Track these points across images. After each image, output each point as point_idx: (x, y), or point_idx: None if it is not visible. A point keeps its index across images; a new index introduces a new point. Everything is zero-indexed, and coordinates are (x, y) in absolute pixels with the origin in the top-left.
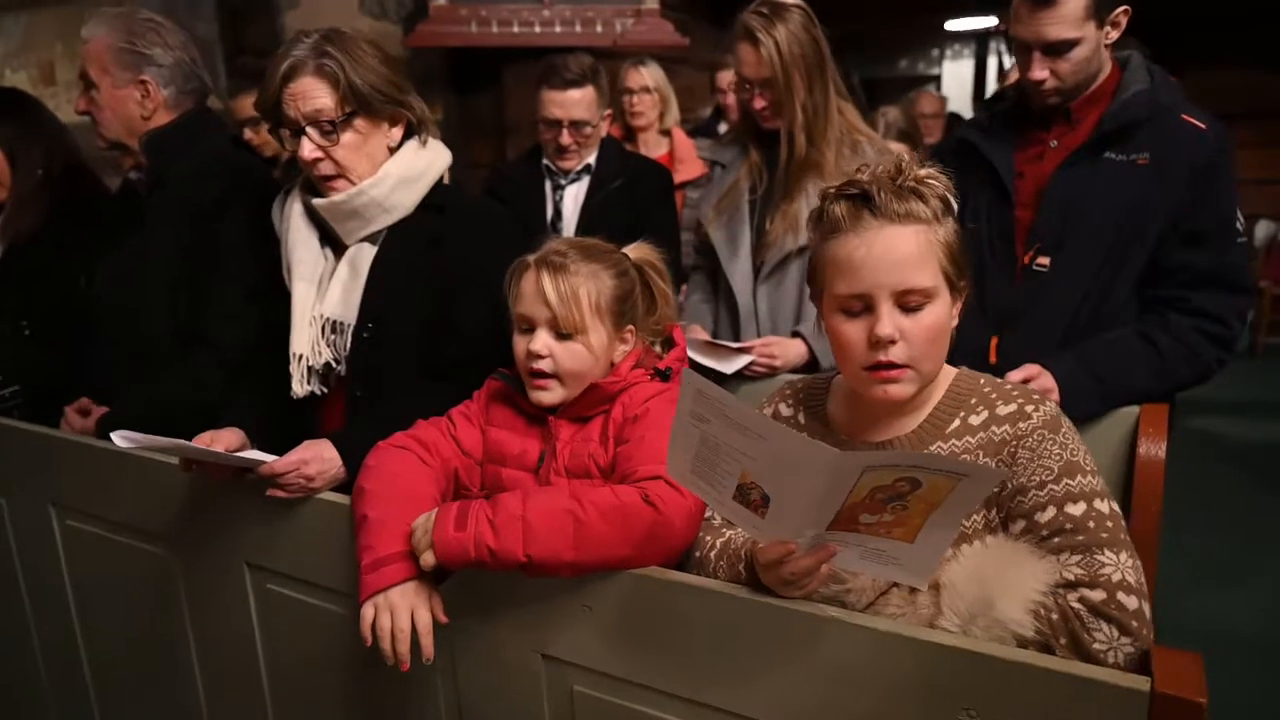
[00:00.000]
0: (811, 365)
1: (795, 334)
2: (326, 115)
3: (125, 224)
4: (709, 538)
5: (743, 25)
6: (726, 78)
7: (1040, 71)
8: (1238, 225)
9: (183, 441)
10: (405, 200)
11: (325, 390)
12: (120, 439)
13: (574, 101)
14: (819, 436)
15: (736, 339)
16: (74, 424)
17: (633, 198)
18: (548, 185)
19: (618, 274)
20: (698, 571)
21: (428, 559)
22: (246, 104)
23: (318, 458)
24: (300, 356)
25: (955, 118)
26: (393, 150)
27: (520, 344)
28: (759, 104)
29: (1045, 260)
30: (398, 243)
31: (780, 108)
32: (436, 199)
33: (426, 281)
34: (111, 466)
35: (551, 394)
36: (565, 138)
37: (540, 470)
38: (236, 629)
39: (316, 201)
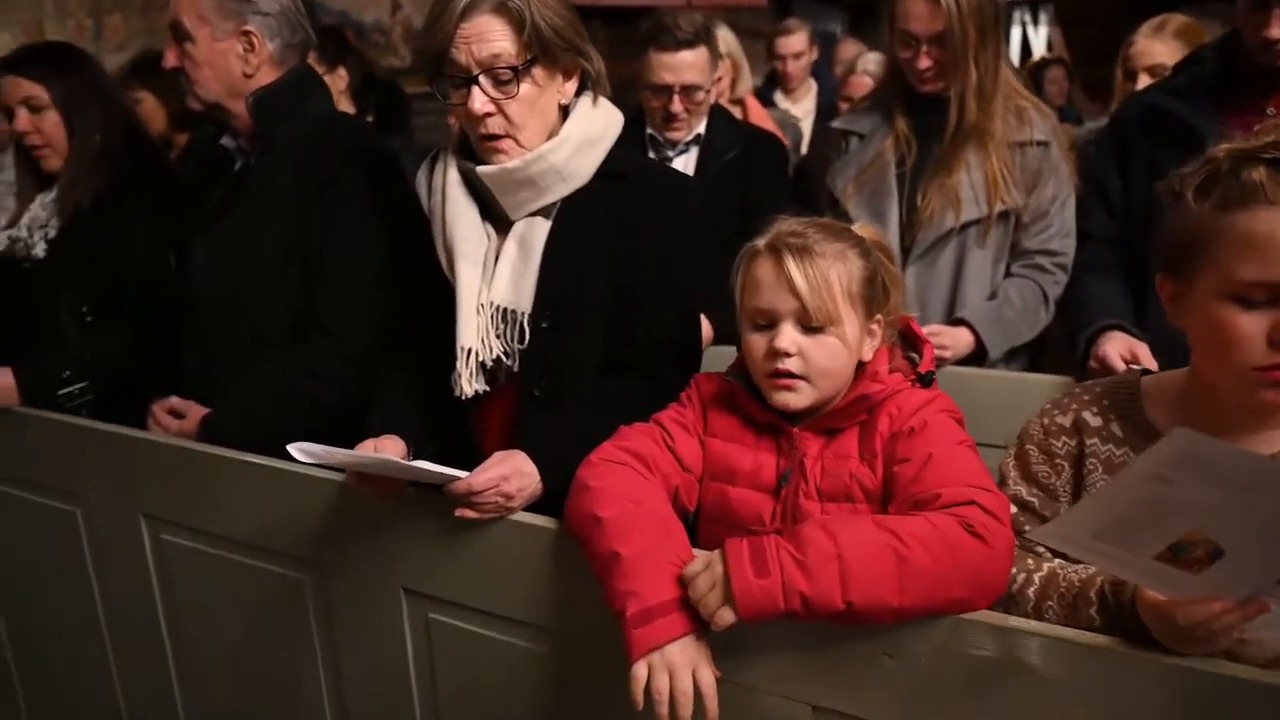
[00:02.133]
0: (978, 356)
1: (959, 321)
2: (505, 61)
3: (226, 197)
4: (1018, 571)
5: None
6: (791, 45)
7: (1277, 29)
8: None
9: (367, 455)
10: (584, 167)
11: (488, 389)
12: (299, 453)
13: (686, 64)
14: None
15: None
16: (167, 425)
17: (748, 171)
18: (652, 157)
19: (862, 253)
20: (1008, 610)
21: (725, 616)
22: None
23: (517, 473)
24: (469, 351)
25: None
26: (563, 108)
27: (757, 342)
28: (924, 63)
29: None
30: (575, 216)
31: (948, 68)
32: (615, 165)
33: (610, 261)
34: (222, 474)
35: (800, 396)
36: (676, 104)
37: (783, 492)
38: (386, 662)
39: (483, 169)
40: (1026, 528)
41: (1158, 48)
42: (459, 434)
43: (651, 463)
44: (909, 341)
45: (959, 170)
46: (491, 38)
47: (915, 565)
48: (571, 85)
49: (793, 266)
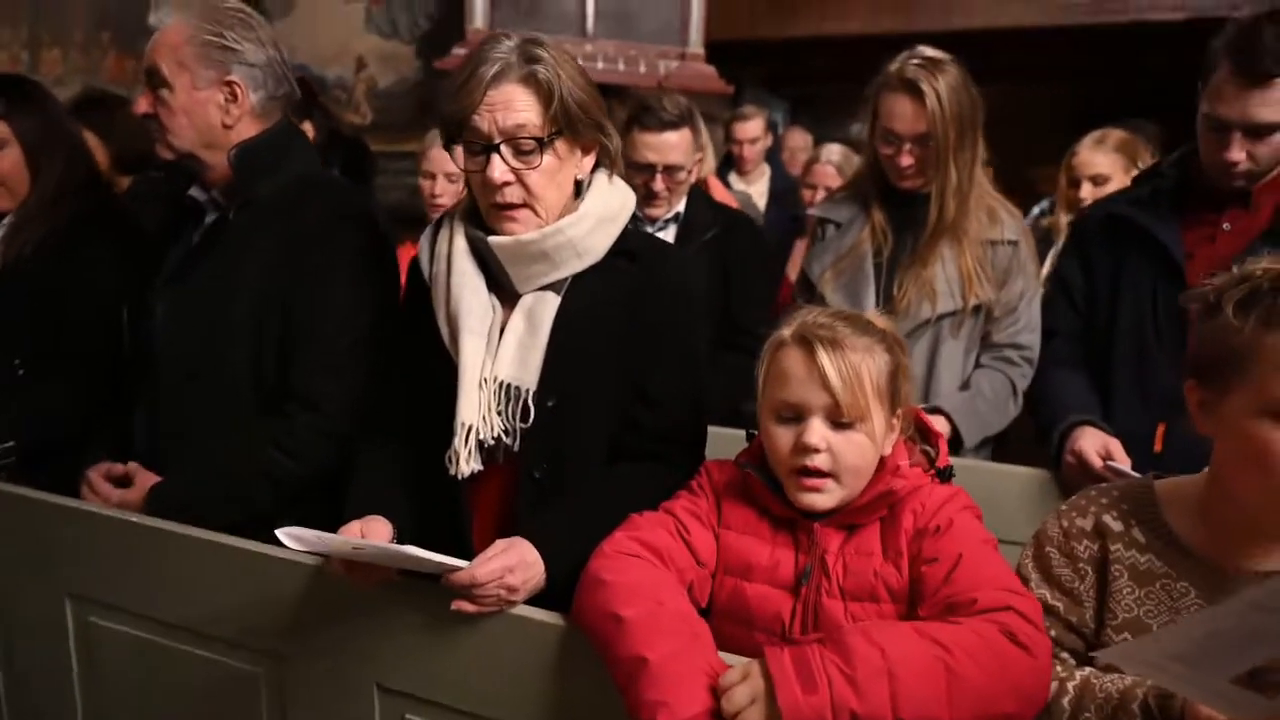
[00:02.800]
0: (953, 445)
1: (936, 410)
2: (530, 131)
3: (195, 252)
4: (1051, 679)
5: (899, 76)
6: (748, 130)
7: (1238, 153)
8: None
9: (365, 542)
10: (599, 244)
11: (482, 468)
12: (289, 539)
13: (670, 145)
14: (1172, 561)
15: None
16: (106, 494)
17: (726, 250)
18: None
19: (886, 348)
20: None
21: None
22: None
23: (522, 564)
24: (469, 427)
25: None
26: (577, 184)
27: (783, 435)
28: (905, 161)
29: None
30: (586, 294)
31: (927, 166)
32: (627, 244)
33: (620, 343)
34: (169, 551)
35: (827, 497)
36: (659, 183)
37: (803, 590)
38: None
39: (497, 240)
40: (1052, 633)
41: (1099, 159)
42: (448, 515)
43: (666, 555)
44: (920, 435)
45: (934, 263)
46: (517, 107)
47: (965, 680)
48: (589, 161)
49: (825, 359)
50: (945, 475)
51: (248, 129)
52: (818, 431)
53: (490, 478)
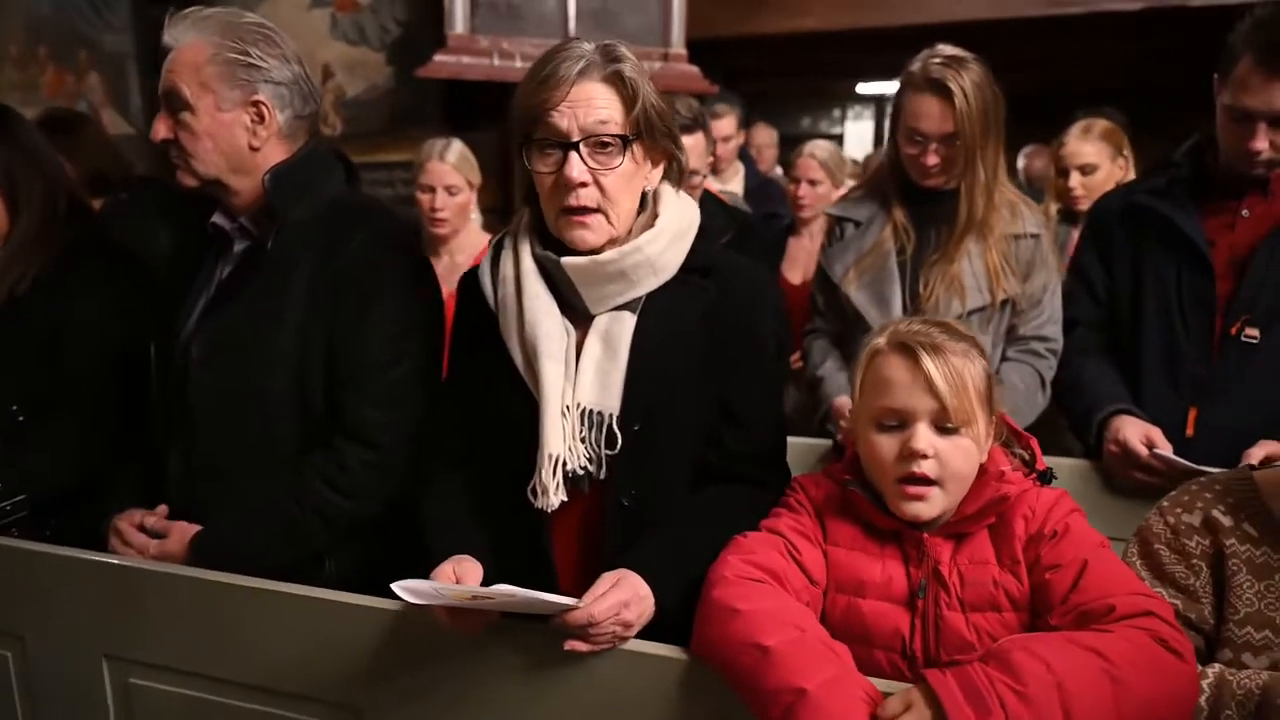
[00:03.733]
0: None
1: None
2: (612, 129)
3: (229, 282)
4: None
5: (924, 75)
6: (721, 128)
7: (1262, 142)
8: None
9: (480, 587)
10: (674, 260)
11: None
12: (406, 593)
13: (685, 149)
14: None
15: None
16: (139, 545)
17: (743, 253)
18: None
19: (980, 352)
20: None
21: None
22: None
23: (635, 597)
24: (556, 459)
25: None
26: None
27: (886, 444)
28: (931, 160)
29: (1255, 332)
30: (661, 312)
31: (952, 165)
32: (699, 259)
33: (701, 360)
34: (218, 602)
35: (931, 505)
36: None
37: (920, 604)
38: None
39: (571, 261)
40: None
41: (1087, 149)
42: (529, 549)
43: (782, 577)
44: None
45: (961, 259)
46: (599, 104)
47: (1130, 689)
48: (657, 173)
49: (931, 365)
50: (1045, 478)
51: (275, 151)
52: (925, 437)
53: (572, 507)
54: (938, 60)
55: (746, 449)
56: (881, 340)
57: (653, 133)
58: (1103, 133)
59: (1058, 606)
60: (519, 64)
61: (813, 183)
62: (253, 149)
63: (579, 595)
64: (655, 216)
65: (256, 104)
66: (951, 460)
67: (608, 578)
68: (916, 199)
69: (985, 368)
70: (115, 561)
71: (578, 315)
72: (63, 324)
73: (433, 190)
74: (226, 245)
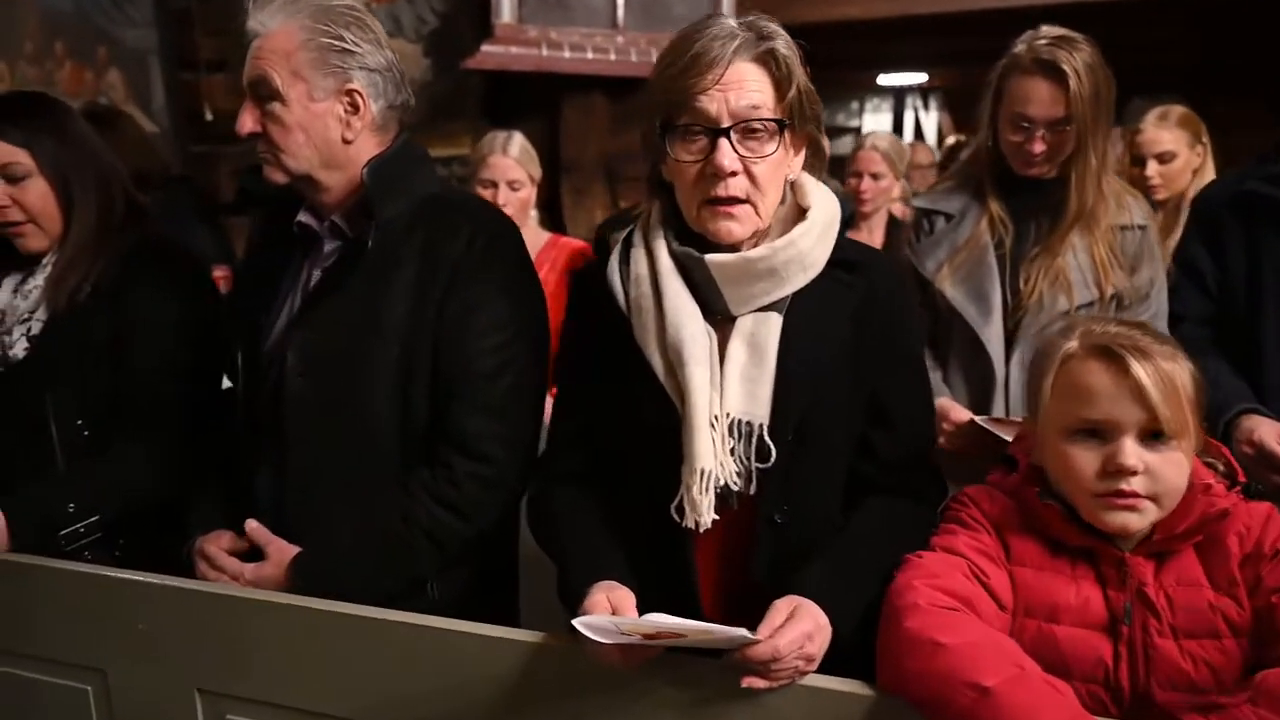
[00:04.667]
0: None
1: None
2: (765, 114)
3: (322, 286)
4: None
5: (1033, 57)
6: None
7: None
8: None
9: (664, 618)
10: (822, 255)
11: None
12: (589, 630)
13: None
14: None
15: (979, 413)
16: (232, 570)
17: None
18: None
19: (1185, 354)
20: None
21: None
22: None
23: (817, 628)
24: (707, 474)
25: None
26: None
27: (1085, 458)
28: (1039, 147)
29: None
30: (808, 311)
31: (1059, 152)
32: (844, 253)
33: (852, 361)
34: (322, 632)
35: (1143, 516)
36: None
37: (1124, 630)
38: None
39: (718, 258)
40: None
41: (1165, 136)
42: (671, 571)
43: (975, 604)
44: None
45: (1065, 253)
46: (751, 86)
47: None
48: (799, 161)
49: (1140, 371)
50: (1251, 492)
51: (368, 144)
52: (1134, 452)
53: (715, 525)
54: (1046, 40)
55: (902, 457)
56: (1073, 343)
57: (803, 117)
58: (1180, 119)
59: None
60: (568, 54)
61: (875, 176)
62: (346, 141)
63: (722, 620)
64: (799, 208)
65: (351, 93)
66: (1164, 475)
67: (782, 606)
68: (1014, 189)
69: (1193, 370)
70: (209, 589)
71: (716, 316)
72: (129, 333)
73: (495, 185)
74: (313, 245)
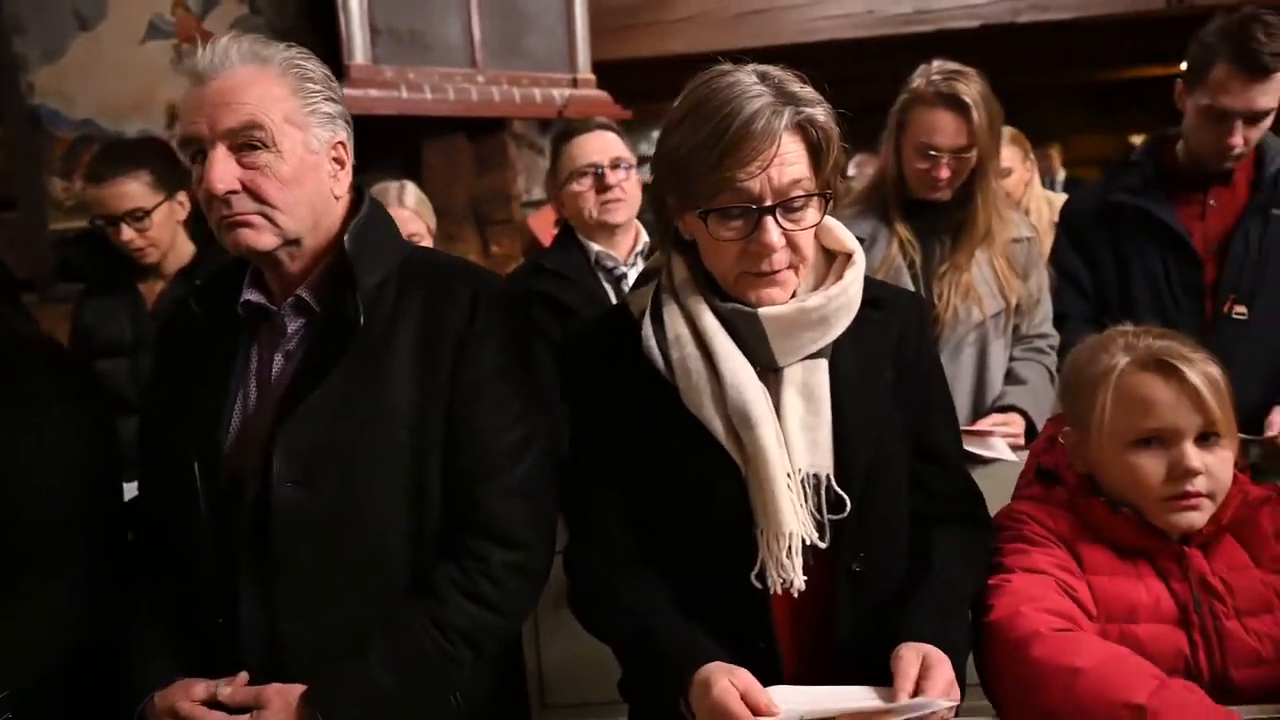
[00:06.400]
0: (1029, 433)
1: (1010, 408)
2: (805, 188)
3: (300, 374)
4: None
5: (935, 90)
6: None
7: (1238, 138)
8: None
9: (848, 690)
10: (858, 296)
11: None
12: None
13: (609, 140)
14: None
15: None
16: None
17: None
18: (603, 280)
19: (1214, 358)
20: None
21: None
22: (116, 193)
23: (950, 670)
24: (793, 535)
25: None
26: None
27: (1150, 465)
28: (944, 174)
29: (1243, 309)
30: (849, 353)
31: (959, 177)
32: (873, 291)
33: (896, 398)
34: None
35: (1203, 513)
36: (609, 177)
37: (1195, 619)
38: None
39: (771, 310)
40: None
41: (1003, 153)
42: (750, 637)
43: (1078, 620)
44: None
45: (970, 268)
46: (790, 159)
47: None
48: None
49: (1196, 379)
50: (1261, 472)
51: (344, 205)
52: (1197, 455)
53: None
54: (942, 75)
55: (955, 487)
56: (1122, 359)
57: (836, 174)
58: (1011, 137)
59: None
60: (429, 95)
61: None
62: (336, 198)
63: (809, 681)
64: (825, 250)
65: (339, 146)
66: (1219, 473)
67: (908, 656)
68: (916, 212)
69: (1224, 374)
70: None
71: (761, 370)
72: (13, 455)
73: None
74: (261, 327)
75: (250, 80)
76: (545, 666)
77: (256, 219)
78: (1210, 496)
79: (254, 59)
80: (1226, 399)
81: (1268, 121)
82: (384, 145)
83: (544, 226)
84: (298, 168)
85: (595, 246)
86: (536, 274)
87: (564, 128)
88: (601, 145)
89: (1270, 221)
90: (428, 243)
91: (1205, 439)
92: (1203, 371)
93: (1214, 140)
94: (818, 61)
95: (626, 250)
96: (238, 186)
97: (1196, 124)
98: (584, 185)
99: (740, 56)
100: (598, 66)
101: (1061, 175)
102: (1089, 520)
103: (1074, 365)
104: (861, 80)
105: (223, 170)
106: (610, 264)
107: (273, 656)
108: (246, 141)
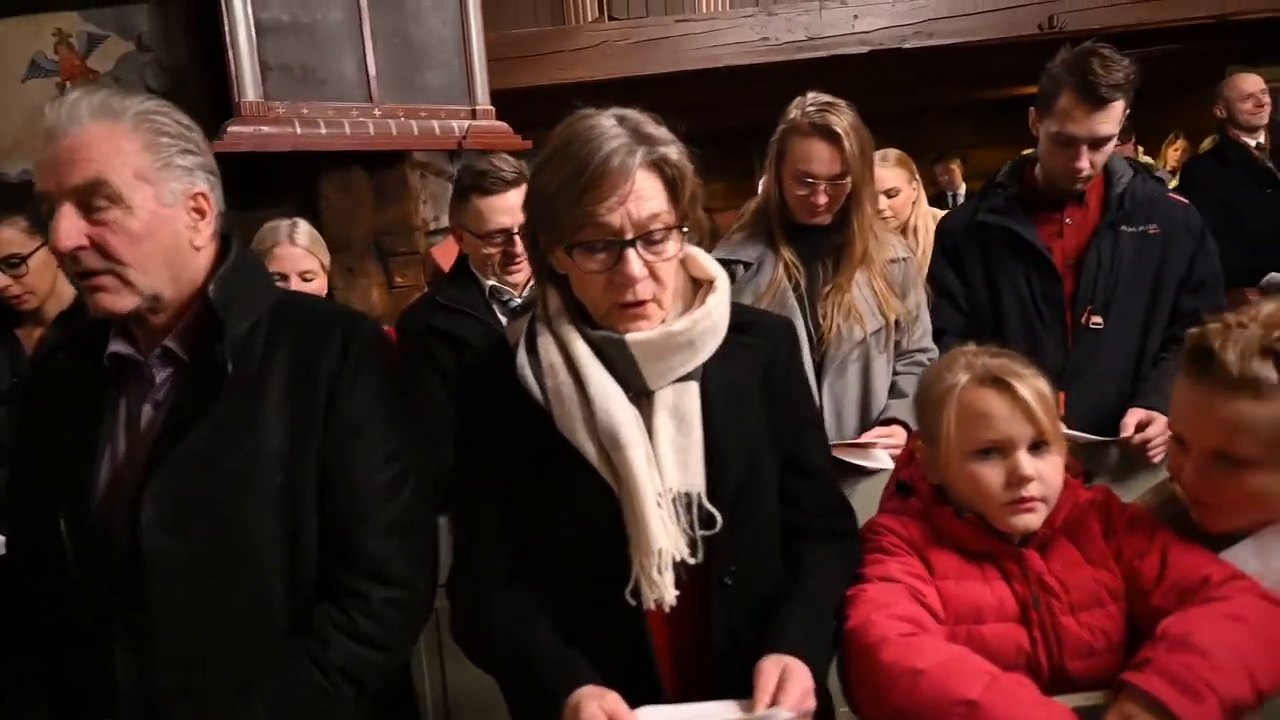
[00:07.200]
0: None
1: (892, 420)
2: (663, 221)
3: (169, 425)
4: None
5: (810, 122)
6: None
7: (1084, 162)
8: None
9: (712, 706)
10: (724, 321)
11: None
12: None
13: (519, 204)
14: None
15: None
16: None
17: None
18: (498, 313)
19: (1041, 372)
20: None
21: None
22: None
23: (809, 680)
24: (662, 553)
25: None
26: None
27: (989, 474)
28: (821, 200)
29: (1099, 319)
30: (717, 375)
31: (836, 203)
32: (741, 315)
33: (765, 418)
34: None
35: (1038, 515)
36: (517, 245)
37: (1034, 616)
38: None
39: (638, 337)
40: None
41: (889, 174)
42: (627, 653)
43: (925, 624)
44: None
45: (851, 289)
46: (647, 194)
47: (1272, 641)
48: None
49: (1026, 393)
50: (1089, 477)
51: (208, 253)
52: (1029, 462)
53: None
54: (816, 107)
55: (826, 502)
56: (962, 377)
57: (694, 207)
58: (897, 159)
59: (1155, 589)
60: (325, 131)
61: None
62: (196, 248)
63: (688, 693)
64: (691, 279)
65: (198, 197)
66: (1051, 478)
67: (770, 669)
68: (798, 235)
69: (1050, 384)
70: None
71: (632, 394)
72: None
73: (286, 278)
74: (129, 378)
75: (98, 138)
76: (451, 697)
77: (109, 280)
78: (1044, 500)
79: (105, 114)
80: (1054, 410)
81: (1110, 146)
82: (280, 182)
83: (447, 257)
84: (149, 222)
85: (489, 281)
86: (432, 309)
87: (474, 173)
88: (510, 207)
89: (1120, 237)
90: (322, 280)
91: (1037, 448)
92: (1032, 386)
93: (1063, 164)
94: (717, 86)
95: (522, 283)
96: (85, 243)
97: (1048, 149)
98: (491, 249)
99: (638, 82)
100: (499, 95)
101: (963, 189)
102: (939, 527)
103: (923, 384)
104: (760, 105)
105: (68, 227)
106: (505, 296)
107: (153, 710)
108: (93, 198)
